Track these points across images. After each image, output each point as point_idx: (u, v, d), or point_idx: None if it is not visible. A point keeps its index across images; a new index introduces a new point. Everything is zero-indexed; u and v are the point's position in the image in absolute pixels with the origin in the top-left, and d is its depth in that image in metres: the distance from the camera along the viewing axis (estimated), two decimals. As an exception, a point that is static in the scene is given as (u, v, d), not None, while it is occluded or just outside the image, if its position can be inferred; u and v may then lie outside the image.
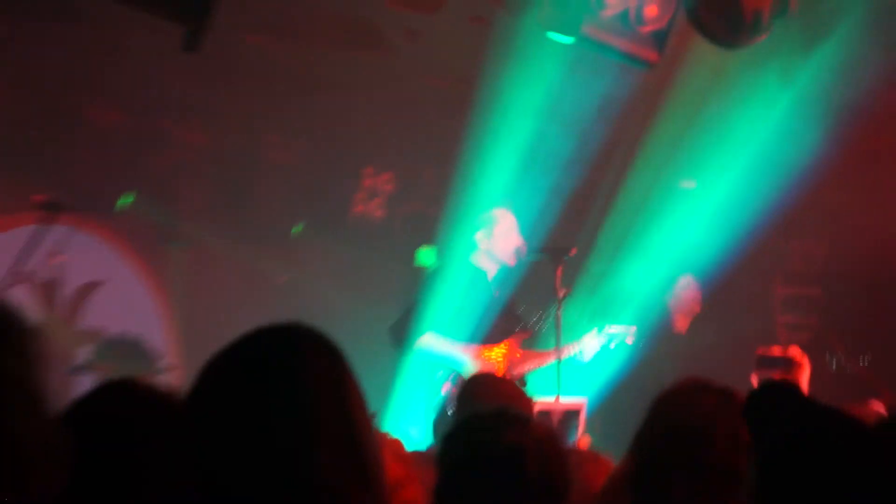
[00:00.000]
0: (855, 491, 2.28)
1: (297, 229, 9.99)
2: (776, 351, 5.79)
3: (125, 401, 2.30)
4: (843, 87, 7.50)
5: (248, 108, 9.41)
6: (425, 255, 9.51)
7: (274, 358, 2.07)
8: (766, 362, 5.68)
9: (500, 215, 7.40)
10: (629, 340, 7.30)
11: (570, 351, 7.10)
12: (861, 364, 8.28)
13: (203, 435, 2.02)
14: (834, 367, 8.30)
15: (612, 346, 7.27)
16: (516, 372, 7.20)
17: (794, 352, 5.66)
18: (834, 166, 8.28)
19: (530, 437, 2.71)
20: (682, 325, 8.77)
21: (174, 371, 9.07)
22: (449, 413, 6.50)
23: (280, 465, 1.95)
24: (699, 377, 3.12)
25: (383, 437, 3.37)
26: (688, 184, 8.97)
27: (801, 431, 2.42)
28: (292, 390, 2.01)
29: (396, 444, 3.34)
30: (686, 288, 8.75)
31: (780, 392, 2.67)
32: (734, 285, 9.07)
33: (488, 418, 2.82)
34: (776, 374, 5.52)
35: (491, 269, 7.31)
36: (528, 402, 4.76)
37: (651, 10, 6.40)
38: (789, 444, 2.41)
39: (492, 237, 7.28)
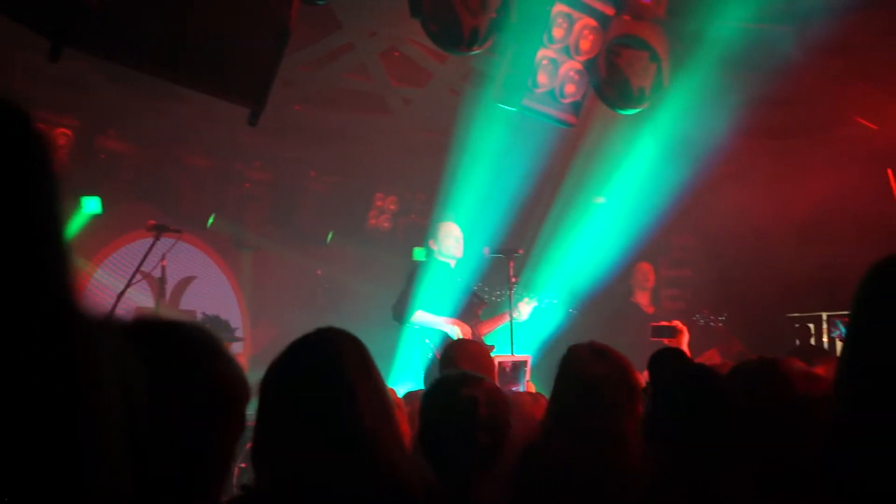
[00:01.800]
0: (709, 416, 2.38)
1: (329, 237, 9.80)
2: (664, 322, 5.91)
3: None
4: (693, 130, 7.20)
5: (295, 154, 9.27)
6: (419, 253, 8.63)
7: (322, 353, 2.06)
8: (658, 331, 5.79)
9: (442, 226, 7.26)
10: (552, 303, 7.14)
11: (513, 314, 6.89)
12: (719, 321, 8.13)
13: (273, 410, 1.98)
14: (701, 323, 8.02)
15: (542, 306, 7.07)
16: (480, 334, 7.06)
17: (677, 323, 5.81)
18: (697, 183, 8.06)
19: (481, 391, 2.66)
20: (642, 298, 8.49)
21: (244, 340, 8.93)
22: (436, 369, 5.89)
23: (334, 419, 1.97)
24: (595, 343, 3.12)
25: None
26: (599, 199, 8.71)
27: (681, 382, 2.51)
28: (339, 374, 2.02)
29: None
30: (643, 271, 8.54)
31: (670, 355, 2.63)
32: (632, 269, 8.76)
33: (452, 379, 2.74)
34: (666, 340, 5.63)
35: (450, 263, 7.13)
36: (489, 359, 4.74)
37: (570, 88, 6.35)
38: (674, 390, 2.51)
39: (438, 241, 7.18)
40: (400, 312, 6.95)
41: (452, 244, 7.16)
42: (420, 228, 9.29)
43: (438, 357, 6.33)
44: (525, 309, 7.06)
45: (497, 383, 3.43)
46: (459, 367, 4.15)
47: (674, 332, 5.67)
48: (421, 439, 2.69)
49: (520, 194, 8.48)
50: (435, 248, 7.20)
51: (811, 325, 8.05)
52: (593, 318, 8.11)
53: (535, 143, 7.76)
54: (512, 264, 6.99)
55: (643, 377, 3.30)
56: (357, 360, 2.08)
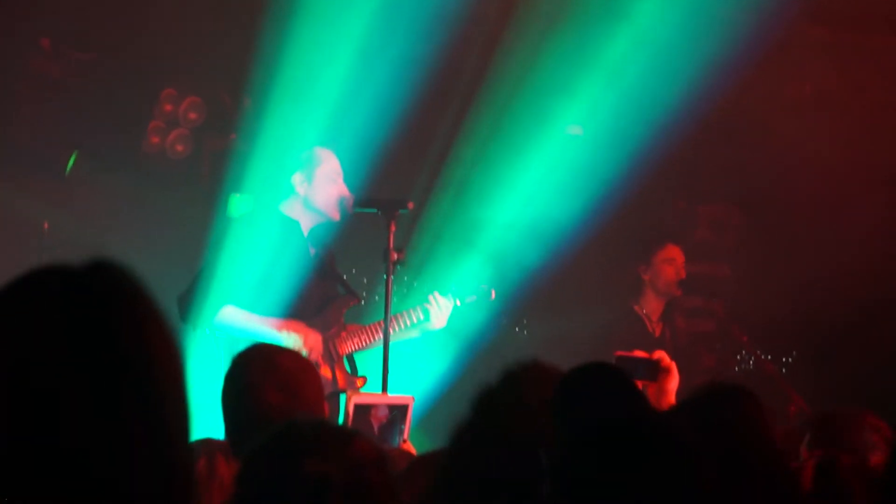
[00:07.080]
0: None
1: (70, 163, 9.85)
2: (639, 353, 5.90)
3: None
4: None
5: (11, 3, 9.27)
6: (237, 204, 9.53)
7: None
8: (626, 366, 5.66)
9: (323, 156, 7.54)
10: (482, 299, 7.70)
11: (407, 320, 7.36)
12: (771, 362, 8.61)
13: None
14: (740, 367, 8.67)
15: (464, 304, 7.62)
16: (340, 351, 7.44)
17: (662, 355, 5.72)
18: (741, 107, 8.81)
19: (342, 466, 2.72)
20: (653, 307, 9.03)
21: None
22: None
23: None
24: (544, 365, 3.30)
25: None
26: (574, 130, 9.17)
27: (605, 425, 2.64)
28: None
29: None
30: (668, 259, 8.98)
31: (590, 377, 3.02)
32: (612, 258, 9.39)
33: (290, 439, 2.82)
34: (639, 382, 5.48)
35: (306, 222, 7.46)
36: (315, 387, 4.74)
37: None
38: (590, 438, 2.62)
39: (312, 181, 7.42)
40: (189, 306, 7.24)
41: (331, 192, 7.46)
42: (241, 157, 9.48)
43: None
44: (440, 310, 7.51)
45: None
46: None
47: (654, 371, 5.70)
48: None
49: (413, 102, 8.83)
50: (302, 191, 7.46)
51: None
52: (548, 335, 8.77)
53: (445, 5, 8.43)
54: (394, 228, 7.26)
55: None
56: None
